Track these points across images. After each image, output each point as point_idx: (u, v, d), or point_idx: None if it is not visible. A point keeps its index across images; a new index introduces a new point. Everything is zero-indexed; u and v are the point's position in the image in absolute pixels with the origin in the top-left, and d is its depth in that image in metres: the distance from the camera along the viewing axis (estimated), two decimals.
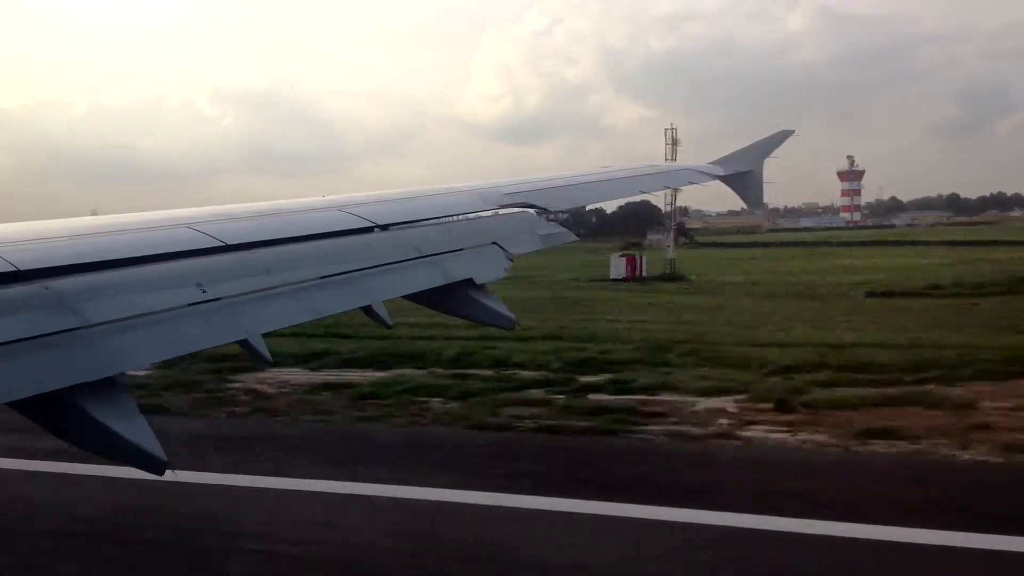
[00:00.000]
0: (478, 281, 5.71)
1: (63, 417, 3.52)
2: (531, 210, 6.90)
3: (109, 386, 3.60)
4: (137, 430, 3.57)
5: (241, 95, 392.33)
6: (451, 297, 5.62)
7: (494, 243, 6.13)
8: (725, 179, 12.65)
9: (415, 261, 5.46)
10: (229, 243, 4.58)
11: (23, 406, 3.41)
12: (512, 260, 6.10)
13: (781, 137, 14.01)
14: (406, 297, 5.46)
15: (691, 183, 11.73)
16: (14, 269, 3.69)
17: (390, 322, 5.14)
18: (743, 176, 12.84)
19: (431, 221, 5.97)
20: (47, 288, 3.74)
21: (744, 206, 14.53)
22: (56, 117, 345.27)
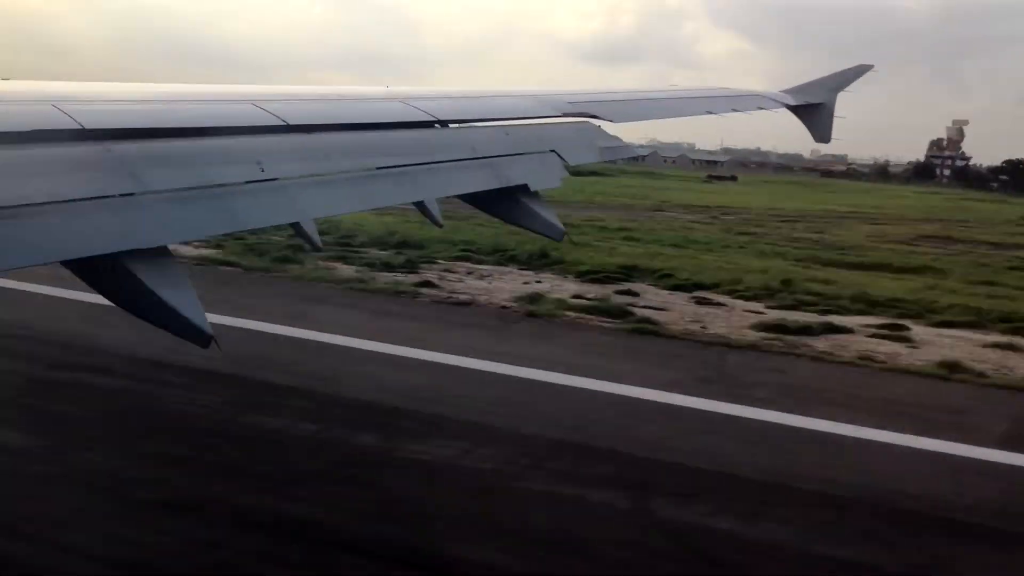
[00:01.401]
0: (533, 188, 5.68)
1: (116, 280, 3.58)
2: (593, 120, 6.79)
3: (162, 254, 3.65)
4: (186, 301, 3.62)
5: None
6: (505, 202, 5.60)
7: (552, 151, 6.07)
8: (795, 109, 12.33)
9: (472, 162, 5.42)
10: (291, 123, 4.57)
11: (78, 266, 3.46)
12: (568, 170, 6.04)
13: (859, 71, 13.55)
14: (459, 197, 5.44)
15: (760, 108, 11.46)
16: (79, 127, 3.71)
17: (441, 220, 5.14)
18: (814, 108, 12.50)
19: (492, 123, 5.91)
20: (109, 151, 3.76)
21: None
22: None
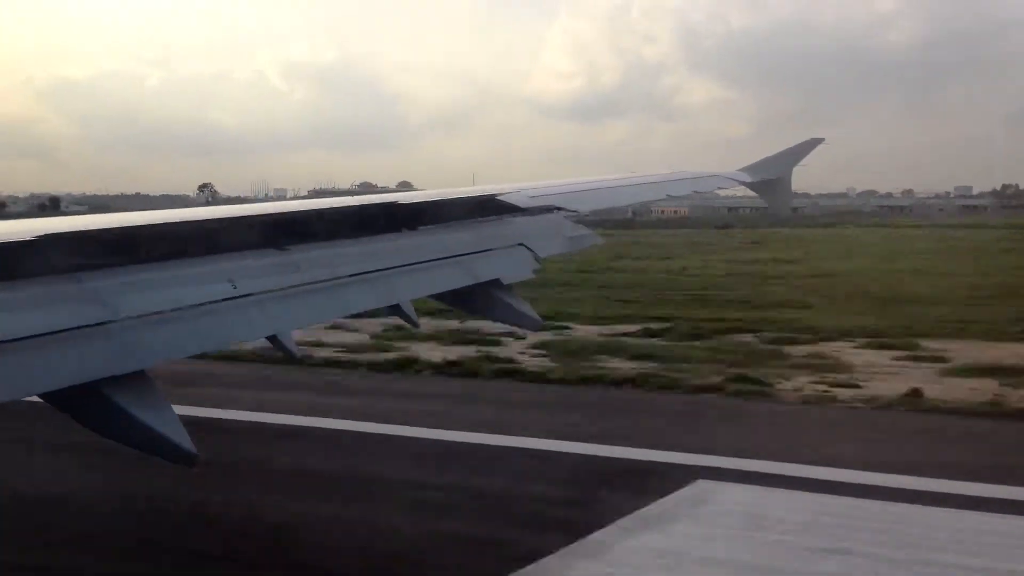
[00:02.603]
0: (505, 282, 5.75)
1: (96, 409, 3.56)
2: (558, 212, 6.91)
3: (140, 379, 3.64)
4: (168, 423, 3.61)
5: (311, 70, 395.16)
6: (478, 297, 5.66)
7: (521, 244, 6.16)
8: (753, 186, 12.62)
9: (443, 261, 5.50)
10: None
11: (57, 397, 3.45)
12: (539, 261, 6.12)
13: (811, 145, 13.93)
14: (432, 296, 5.49)
15: (719, 188, 11.71)
16: None
17: (417, 320, 5.18)
18: (771, 183, 12.80)
19: (459, 222, 6.01)
20: (81, 282, 3.78)
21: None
22: (126, 89, 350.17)
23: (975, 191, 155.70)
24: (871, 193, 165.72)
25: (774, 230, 60.83)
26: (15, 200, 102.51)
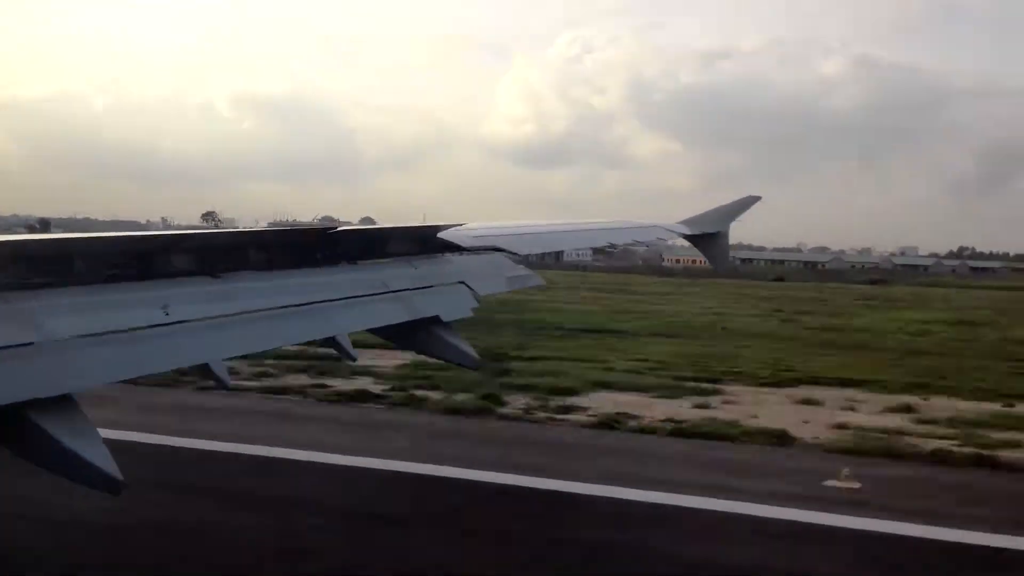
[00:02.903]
0: (444, 319, 5.75)
1: (19, 432, 3.46)
2: (500, 253, 6.95)
3: (66, 403, 3.55)
4: (93, 448, 3.52)
5: (262, 100, 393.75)
6: (417, 333, 5.64)
7: (461, 282, 6.18)
8: (692, 239, 12.83)
9: (382, 296, 5.48)
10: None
11: None
12: (478, 300, 6.14)
13: (748, 202, 14.24)
14: (371, 331, 5.46)
15: (659, 239, 11.90)
16: None
17: (355, 354, 5.14)
18: (710, 237, 13.04)
19: (400, 258, 6.01)
20: (7, 301, 3.69)
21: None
22: (76, 111, 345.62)
23: (921, 252, 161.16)
24: (823, 249, 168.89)
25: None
26: None
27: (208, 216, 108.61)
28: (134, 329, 4.00)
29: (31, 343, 3.56)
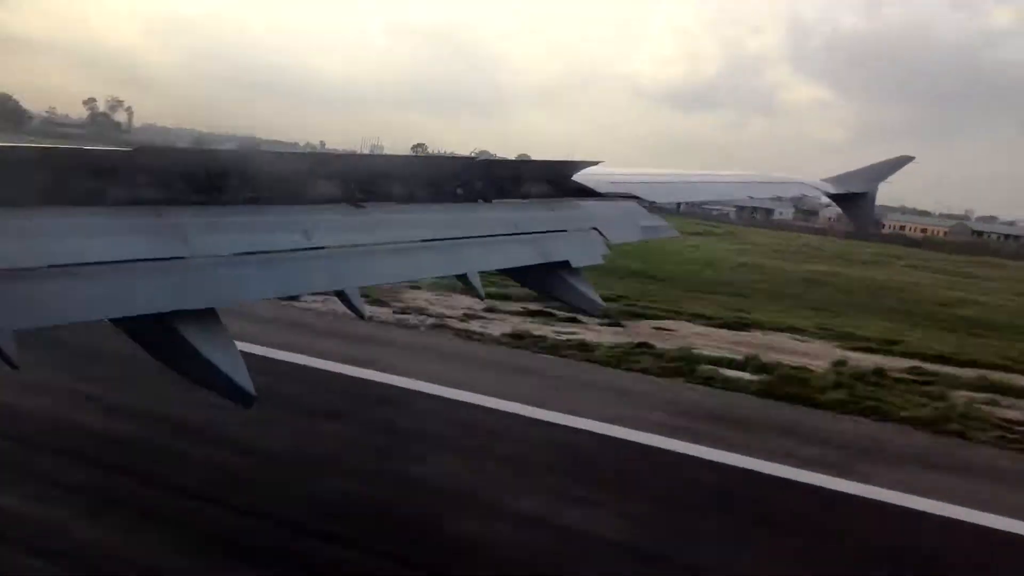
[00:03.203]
0: (574, 264, 5.75)
1: (165, 340, 3.66)
2: (634, 201, 6.88)
3: (210, 316, 3.73)
4: (231, 362, 3.69)
5: (413, 29, 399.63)
6: (546, 277, 5.67)
7: (594, 228, 6.15)
8: (836, 197, 12.39)
9: (515, 237, 5.51)
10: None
11: (129, 324, 3.56)
12: (610, 247, 6.11)
13: (901, 162, 13.62)
14: (501, 272, 5.52)
15: (802, 195, 11.55)
16: None
17: (483, 292, 5.20)
18: (855, 197, 12.55)
19: (535, 200, 6.02)
20: (161, 216, 3.88)
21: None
22: (235, 30, 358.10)
23: None
24: (991, 218, 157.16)
25: None
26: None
27: (417, 147, 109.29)
28: (277, 251, 4.16)
29: (181, 258, 3.75)
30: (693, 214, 60.87)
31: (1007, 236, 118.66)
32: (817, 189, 11.95)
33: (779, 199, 11.34)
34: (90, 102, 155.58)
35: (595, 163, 6.63)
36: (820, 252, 51.96)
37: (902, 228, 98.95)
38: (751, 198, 9.57)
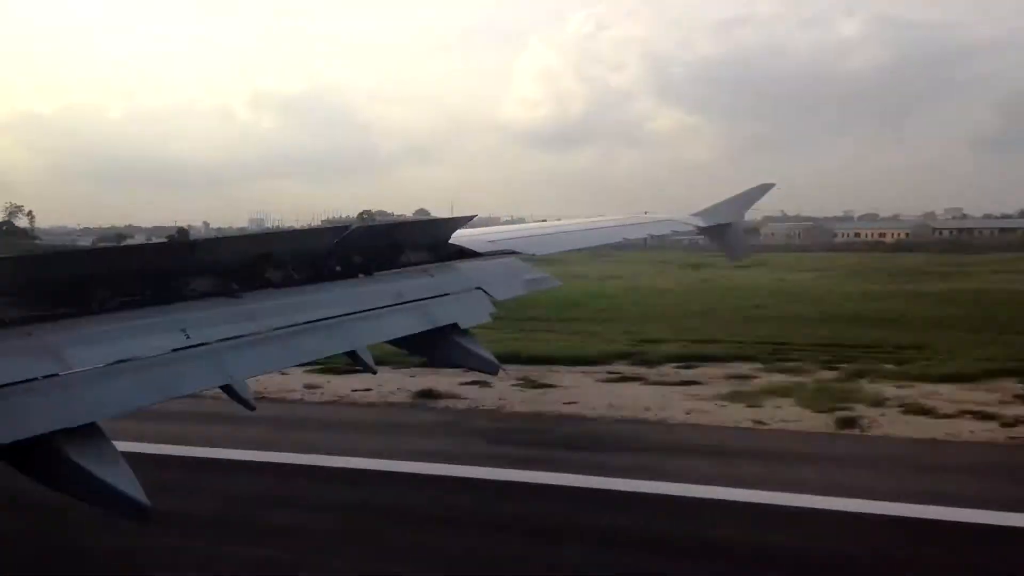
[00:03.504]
0: (463, 326, 5.74)
1: (48, 463, 3.49)
2: (514, 256, 6.95)
3: (91, 432, 3.57)
4: (121, 476, 3.53)
5: (278, 100, 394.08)
6: (436, 342, 5.64)
7: (479, 288, 6.17)
8: (706, 231, 12.81)
9: (400, 307, 5.48)
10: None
11: (7, 451, 3.37)
12: (495, 305, 6.13)
13: (762, 190, 14.20)
14: (390, 342, 5.46)
15: (674, 232, 11.89)
16: None
17: (375, 367, 5.14)
18: (724, 228, 13.01)
19: (416, 267, 6.02)
20: (31, 335, 3.72)
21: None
22: (91, 120, 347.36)
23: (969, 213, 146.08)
24: (872, 216, 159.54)
25: None
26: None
27: (364, 214, 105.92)
28: (157, 355, 4.03)
29: (56, 375, 3.60)
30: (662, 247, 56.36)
31: (1002, 230, 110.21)
32: (687, 224, 12.33)
33: (652, 237, 11.64)
34: None
35: (470, 217, 6.70)
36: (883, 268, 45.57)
37: (857, 235, 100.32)
38: (626, 240, 9.81)
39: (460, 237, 6.58)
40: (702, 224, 12.48)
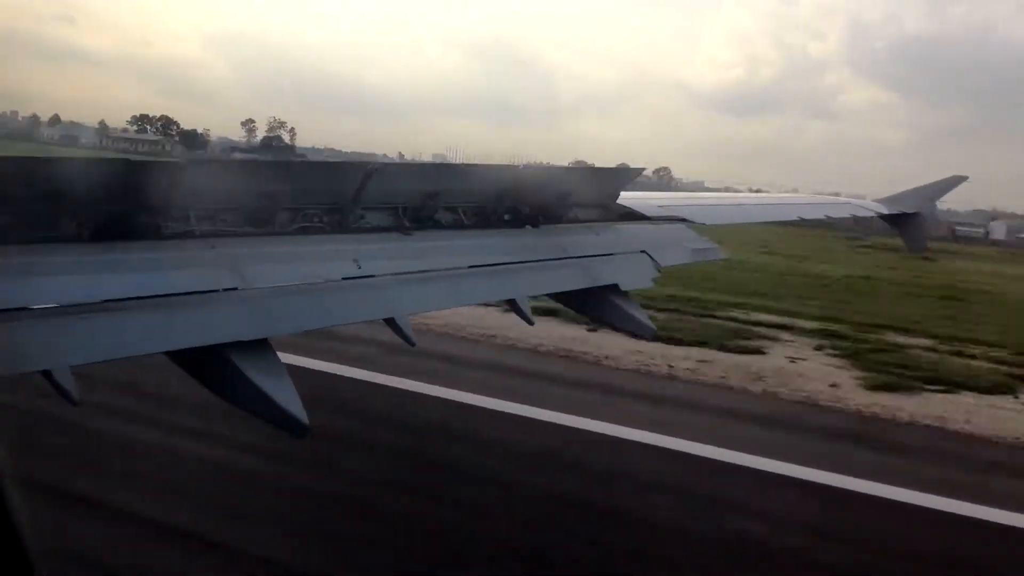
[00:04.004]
0: (623, 287, 5.72)
1: (218, 372, 3.69)
2: (683, 224, 6.85)
3: (262, 347, 3.76)
4: (284, 392, 3.71)
5: (467, 40, 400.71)
6: (595, 300, 5.65)
7: (643, 252, 6.13)
8: (888, 218, 12.21)
9: (563, 261, 5.51)
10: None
11: (182, 357, 3.59)
12: (659, 270, 6.08)
13: (954, 182, 13.42)
14: (550, 296, 5.51)
15: (853, 215, 11.41)
16: None
17: (532, 319, 5.19)
18: (908, 217, 12.37)
19: (583, 224, 6.03)
20: (214, 247, 3.93)
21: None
22: (290, 44, 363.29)
23: None
24: None
25: None
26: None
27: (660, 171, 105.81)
28: (329, 280, 4.20)
29: (235, 289, 3.80)
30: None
31: None
32: (868, 209, 11.80)
33: (829, 218, 11.19)
34: (248, 123, 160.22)
35: (640, 169, 6.60)
36: None
37: None
38: (802, 219, 9.49)
39: (630, 200, 6.53)
40: (885, 211, 11.90)
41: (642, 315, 5.76)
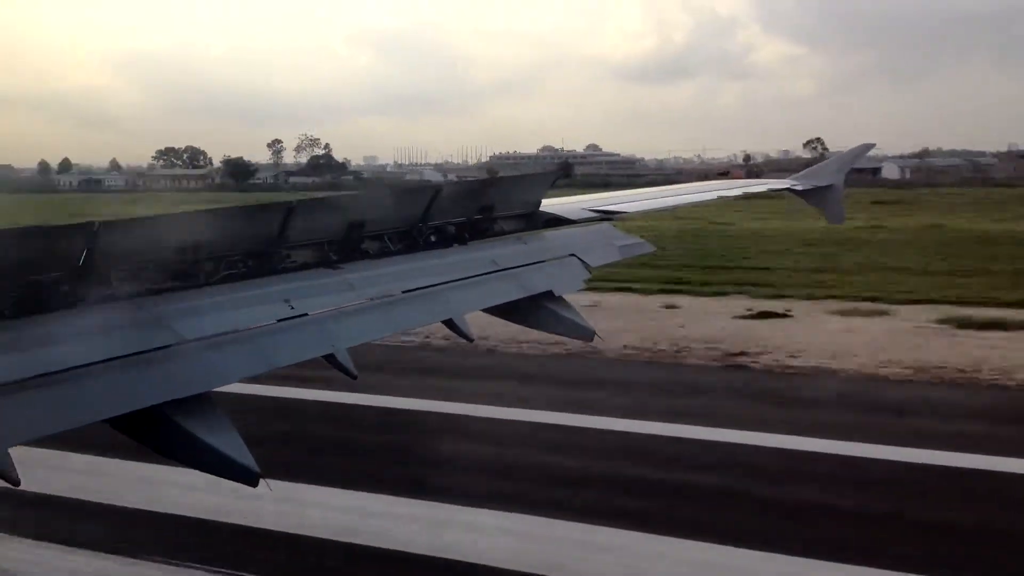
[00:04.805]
0: (557, 293, 5.75)
1: (160, 432, 3.62)
2: (608, 223, 6.91)
3: (202, 401, 3.70)
4: (230, 442, 3.65)
5: (375, 37, 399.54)
6: (531, 309, 5.66)
7: (573, 255, 6.17)
8: (803, 194, 12.49)
9: (494, 274, 5.51)
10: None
11: (122, 422, 3.51)
12: (590, 272, 6.12)
13: (862, 150, 13.76)
14: (486, 310, 5.51)
15: (770, 190, 11.67)
16: None
17: (472, 335, 5.19)
18: (822, 191, 12.66)
19: (510, 236, 6.04)
20: (142, 308, 3.86)
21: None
22: (197, 58, 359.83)
23: None
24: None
25: None
26: None
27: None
28: (263, 326, 4.15)
29: (167, 346, 3.73)
30: None
31: None
32: (784, 186, 12.05)
33: (747, 195, 11.49)
34: (275, 144, 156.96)
35: (558, 174, 6.67)
36: None
37: None
38: (720, 197, 9.73)
39: (551, 206, 6.57)
40: (800, 187, 12.19)
41: (579, 318, 5.80)
